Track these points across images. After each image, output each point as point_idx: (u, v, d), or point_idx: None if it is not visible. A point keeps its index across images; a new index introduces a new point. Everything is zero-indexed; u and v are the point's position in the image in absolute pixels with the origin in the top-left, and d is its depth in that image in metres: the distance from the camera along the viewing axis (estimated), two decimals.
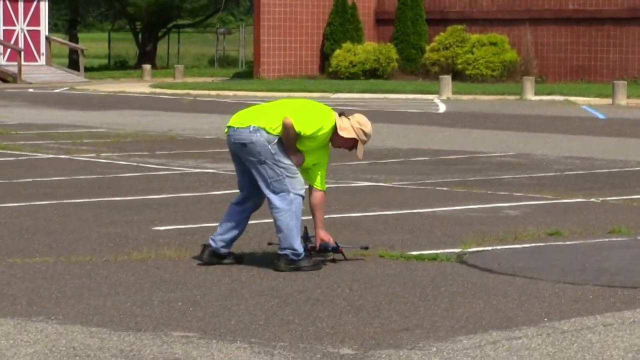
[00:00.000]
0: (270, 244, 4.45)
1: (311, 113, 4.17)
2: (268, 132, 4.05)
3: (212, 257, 4.22)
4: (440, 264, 4.41)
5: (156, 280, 3.89)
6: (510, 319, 3.00)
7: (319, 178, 4.25)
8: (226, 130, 4.26)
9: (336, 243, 4.27)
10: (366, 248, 4.46)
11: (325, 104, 4.49)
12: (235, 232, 4.28)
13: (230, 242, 4.27)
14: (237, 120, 4.20)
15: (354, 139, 4.22)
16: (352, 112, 4.51)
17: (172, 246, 4.83)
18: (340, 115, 4.27)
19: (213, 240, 4.22)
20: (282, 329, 2.80)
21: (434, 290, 3.64)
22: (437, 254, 4.61)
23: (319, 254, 4.34)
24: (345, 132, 4.17)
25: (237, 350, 2.45)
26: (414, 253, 4.66)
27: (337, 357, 2.40)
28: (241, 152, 4.16)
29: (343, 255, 4.31)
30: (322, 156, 4.30)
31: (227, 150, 4.40)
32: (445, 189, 8.16)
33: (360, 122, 4.23)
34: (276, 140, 4.06)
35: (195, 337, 2.66)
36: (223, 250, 4.23)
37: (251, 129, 4.06)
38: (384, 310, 3.19)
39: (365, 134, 4.24)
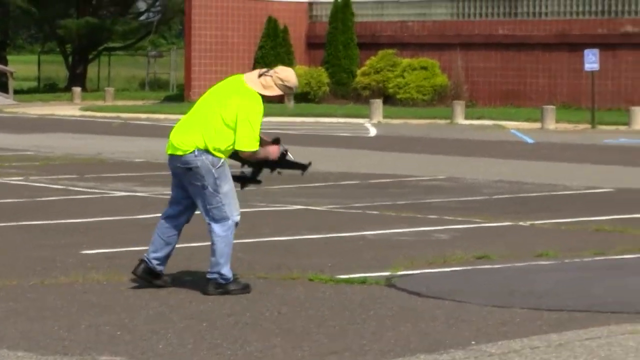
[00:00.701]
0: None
1: (246, 111, 4.06)
2: (213, 155, 4.00)
3: (147, 274, 4.15)
4: (369, 287, 4.43)
5: (84, 304, 3.87)
6: (438, 342, 3.01)
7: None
8: (169, 151, 4.17)
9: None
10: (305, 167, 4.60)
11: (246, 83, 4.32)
12: (169, 249, 4.22)
13: (164, 259, 4.21)
14: (178, 140, 4.10)
15: (280, 94, 4.28)
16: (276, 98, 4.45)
17: (100, 270, 4.83)
18: (260, 75, 4.24)
19: (147, 259, 4.14)
20: (211, 353, 2.80)
21: (362, 314, 3.65)
22: (366, 277, 4.63)
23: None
24: (270, 90, 4.18)
25: None
26: (343, 277, 4.68)
27: None
28: (184, 176, 4.11)
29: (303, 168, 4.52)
30: None
31: (157, 174, 4.41)
32: (375, 212, 8.24)
33: (282, 77, 4.21)
34: (220, 163, 4.01)
35: None
36: (159, 268, 4.17)
37: (196, 152, 3.99)
38: (313, 334, 3.18)
39: (289, 87, 4.26)
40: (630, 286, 4.64)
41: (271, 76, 4.20)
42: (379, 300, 4.04)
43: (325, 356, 2.76)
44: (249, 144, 4.02)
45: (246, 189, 4.56)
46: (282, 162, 4.38)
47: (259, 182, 4.50)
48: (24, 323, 3.38)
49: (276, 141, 4.37)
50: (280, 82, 4.19)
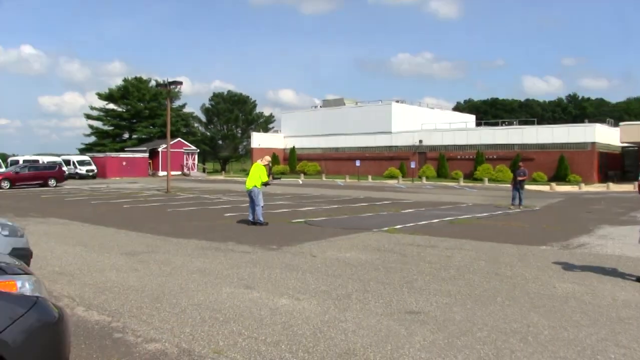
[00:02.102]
0: None
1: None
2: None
3: (253, 223, 14.99)
4: (300, 224, 15.42)
5: (228, 228, 14.24)
6: (314, 237, 13.83)
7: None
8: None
9: None
10: (278, 178, 15.45)
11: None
12: (252, 215, 15.16)
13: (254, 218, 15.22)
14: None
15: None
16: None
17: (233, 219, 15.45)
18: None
19: (251, 219, 15.05)
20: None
21: (297, 230, 14.57)
22: (299, 221, 15.71)
23: None
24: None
25: None
26: (293, 221, 15.65)
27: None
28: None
29: None
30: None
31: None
32: (307, 204, 18.89)
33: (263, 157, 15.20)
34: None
35: None
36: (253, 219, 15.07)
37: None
38: (271, 237, 13.98)
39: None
40: (372, 220, 15.92)
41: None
42: (301, 227, 14.77)
43: (271, 242, 13.35)
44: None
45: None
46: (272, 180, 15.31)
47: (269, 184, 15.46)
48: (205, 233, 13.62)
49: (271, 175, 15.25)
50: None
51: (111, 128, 78.75)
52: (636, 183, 8.24)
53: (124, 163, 58.44)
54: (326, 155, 65.11)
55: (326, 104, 72.58)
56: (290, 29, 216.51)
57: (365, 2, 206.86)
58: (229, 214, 17.76)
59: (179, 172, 62.91)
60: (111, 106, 78.46)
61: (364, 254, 10.21)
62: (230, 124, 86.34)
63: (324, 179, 56.04)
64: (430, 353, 4.81)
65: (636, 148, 49.47)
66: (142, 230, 13.50)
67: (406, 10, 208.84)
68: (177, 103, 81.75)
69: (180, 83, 34.12)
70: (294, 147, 67.16)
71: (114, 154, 60.75)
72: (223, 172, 76.95)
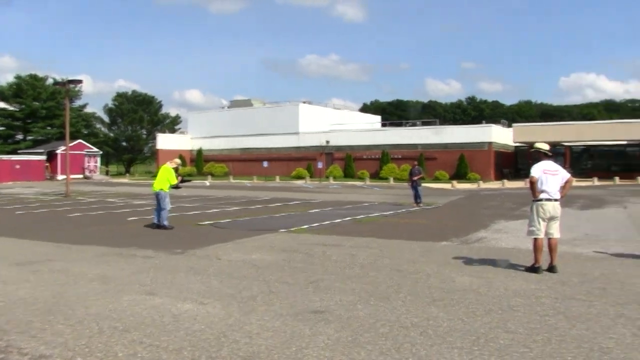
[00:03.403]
0: None
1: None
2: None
3: (157, 227, 14.53)
4: (207, 226, 15.18)
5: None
6: (220, 239, 13.64)
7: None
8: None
9: None
10: (186, 181, 15.14)
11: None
12: (157, 217, 14.70)
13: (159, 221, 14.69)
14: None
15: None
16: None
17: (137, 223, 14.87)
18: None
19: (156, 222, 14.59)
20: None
21: (203, 232, 14.33)
22: (206, 224, 15.44)
23: None
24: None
25: None
26: (200, 224, 15.38)
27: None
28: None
29: None
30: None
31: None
32: (212, 206, 18.59)
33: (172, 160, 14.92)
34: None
35: None
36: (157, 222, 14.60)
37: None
38: (188, 238, 13.72)
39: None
40: (279, 221, 15.95)
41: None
42: (207, 229, 14.54)
43: (175, 246, 13.10)
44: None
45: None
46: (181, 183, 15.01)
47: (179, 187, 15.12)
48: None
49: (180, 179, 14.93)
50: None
51: (2, 129, 74.23)
52: (527, 180, 8.73)
53: (17, 166, 55.07)
54: (234, 156, 64.62)
55: (234, 104, 72.10)
56: (197, 28, 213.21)
57: (274, 2, 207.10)
58: (132, 218, 17.21)
59: (80, 175, 60.37)
60: (1, 105, 73.89)
61: (270, 255, 10.19)
62: (135, 125, 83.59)
63: (231, 180, 55.60)
64: (334, 351, 4.86)
65: (527, 147, 52.33)
66: (36, 238, 12.77)
67: (314, 12, 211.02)
68: (77, 103, 78.56)
69: (80, 81, 32.76)
70: (201, 148, 66.23)
71: (4, 157, 56.85)
72: (127, 174, 74.54)
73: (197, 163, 65.22)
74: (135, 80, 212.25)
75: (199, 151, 65.79)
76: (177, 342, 5.11)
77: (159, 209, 14.51)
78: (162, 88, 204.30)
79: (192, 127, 70.53)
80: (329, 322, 5.77)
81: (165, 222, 14.38)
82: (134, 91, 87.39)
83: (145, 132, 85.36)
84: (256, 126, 63.02)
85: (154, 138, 73.34)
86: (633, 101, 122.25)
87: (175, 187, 15.04)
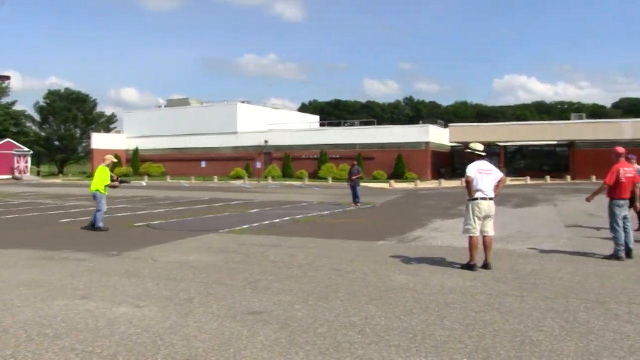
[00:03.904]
0: None
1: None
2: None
3: (93, 228, 14.04)
4: (142, 227, 14.83)
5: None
6: (158, 241, 13.34)
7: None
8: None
9: None
10: (125, 182, 14.74)
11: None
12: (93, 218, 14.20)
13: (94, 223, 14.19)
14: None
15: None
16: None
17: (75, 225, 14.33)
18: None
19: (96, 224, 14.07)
20: None
21: (138, 233, 13.98)
22: (142, 225, 15.07)
23: None
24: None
25: None
26: (136, 225, 15.00)
27: None
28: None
29: None
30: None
31: None
32: (147, 208, 18.15)
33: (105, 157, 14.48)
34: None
35: None
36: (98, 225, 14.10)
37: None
38: (139, 238, 13.37)
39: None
40: (217, 222, 15.77)
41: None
42: (144, 231, 14.20)
43: (110, 248, 12.80)
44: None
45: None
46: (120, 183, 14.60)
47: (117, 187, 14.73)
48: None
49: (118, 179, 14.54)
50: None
51: None
52: (463, 179, 8.93)
53: None
54: (171, 156, 63.58)
55: (171, 103, 70.91)
56: (134, 25, 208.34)
57: (211, 0, 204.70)
58: (65, 220, 16.66)
59: (9, 176, 57.99)
60: None
61: (208, 256, 10.06)
62: (68, 124, 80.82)
63: (169, 180, 54.70)
64: (273, 353, 4.84)
65: (463, 147, 53.65)
66: None
67: (252, 11, 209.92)
68: (5, 100, 75.31)
69: (8, 78, 31.74)
70: (137, 148, 64.82)
71: None
72: (61, 175, 72.04)
73: (134, 163, 63.79)
74: (68, 77, 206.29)
75: (135, 151, 64.38)
76: (112, 348, 4.97)
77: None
78: (97, 86, 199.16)
79: (129, 127, 68.93)
80: (267, 323, 5.74)
81: (100, 224, 13.98)
82: (67, 89, 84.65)
83: (79, 132, 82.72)
84: (194, 126, 62.18)
85: (89, 137, 71.25)
86: (562, 103, 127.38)
87: (113, 186, 14.66)
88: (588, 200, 10.78)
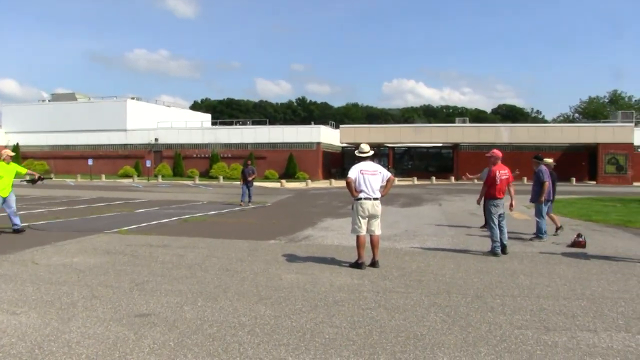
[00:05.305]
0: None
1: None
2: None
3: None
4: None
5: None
6: (44, 242, 12.58)
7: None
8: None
9: None
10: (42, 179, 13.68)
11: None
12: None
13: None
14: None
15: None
16: None
17: None
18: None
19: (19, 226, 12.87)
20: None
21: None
22: None
23: None
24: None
25: None
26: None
27: None
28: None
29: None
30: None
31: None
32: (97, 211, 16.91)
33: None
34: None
35: None
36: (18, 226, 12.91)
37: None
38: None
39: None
40: (103, 222, 15.10)
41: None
42: (24, 232, 13.34)
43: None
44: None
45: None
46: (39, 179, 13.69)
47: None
48: None
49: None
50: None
51: None
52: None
53: None
54: (55, 153, 60.46)
55: (56, 98, 67.38)
56: (13, 12, 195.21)
57: None
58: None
59: None
60: None
61: (93, 257, 9.64)
62: None
63: (53, 178, 51.80)
64: (160, 356, 4.72)
65: (354, 148, 54.95)
66: None
67: (143, 4, 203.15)
68: None
69: None
70: (17, 144, 61.07)
71: None
72: None
73: (14, 160, 59.73)
74: None
75: (16, 147, 60.45)
76: None
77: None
78: None
79: (8, 121, 64.63)
80: (154, 325, 5.59)
81: None
82: None
83: None
84: (81, 122, 59.41)
85: None
86: (447, 107, 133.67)
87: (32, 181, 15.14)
88: (478, 202, 11.42)
